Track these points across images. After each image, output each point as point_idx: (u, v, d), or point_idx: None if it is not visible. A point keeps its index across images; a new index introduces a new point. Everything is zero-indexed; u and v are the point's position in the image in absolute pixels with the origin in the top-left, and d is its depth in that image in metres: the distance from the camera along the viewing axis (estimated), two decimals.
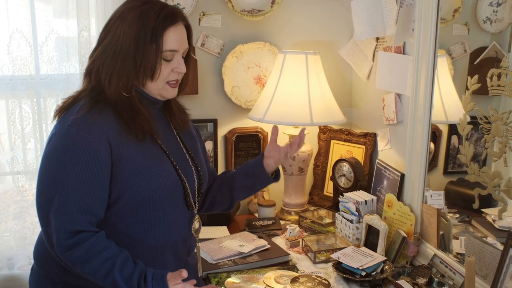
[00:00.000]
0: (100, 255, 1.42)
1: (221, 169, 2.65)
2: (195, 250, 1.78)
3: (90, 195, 1.44)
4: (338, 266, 1.93)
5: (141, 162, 1.50)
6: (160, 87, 1.55)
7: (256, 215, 2.59)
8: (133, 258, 1.47)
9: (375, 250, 1.99)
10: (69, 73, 2.38)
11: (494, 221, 1.81)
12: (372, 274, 1.85)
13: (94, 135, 1.44)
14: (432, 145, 2.04)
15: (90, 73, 1.54)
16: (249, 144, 2.68)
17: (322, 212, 2.52)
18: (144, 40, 1.47)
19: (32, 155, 2.41)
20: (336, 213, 2.26)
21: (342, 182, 2.48)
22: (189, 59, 1.64)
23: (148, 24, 1.47)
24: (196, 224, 1.70)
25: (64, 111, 1.53)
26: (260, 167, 1.80)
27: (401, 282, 1.77)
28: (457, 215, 2.01)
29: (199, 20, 2.49)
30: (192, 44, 1.63)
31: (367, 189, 2.36)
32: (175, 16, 1.53)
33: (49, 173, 1.45)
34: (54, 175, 1.44)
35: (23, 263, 2.47)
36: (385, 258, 1.93)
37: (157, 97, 1.58)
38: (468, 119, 1.81)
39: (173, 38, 1.51)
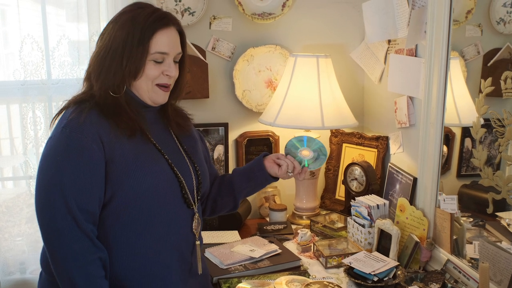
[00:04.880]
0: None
1: None
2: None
3: (86, 194, 1.46)
4: (350, 271, 1.91)
5: (133, 161, 1.51)
6: (150, 88, 1.56)
7: (268, 219, 2.58)
8: None
9: (387, 255, 1.97)
10: (80, 77, 2.36)
11: (508, 225, 1.79)
12: (384, 279, 1.83)
13: (87, 134, 1.46)
14: (445, 148, 2.01)
15: (88, 77, 1.58)
16: (260, 148, 2.67)
17: (334, 216, 2.50)
18: (132, 41, 1.50)
19: None
20: (348, 218, 2.24)
21: (354, 186, 2.46)
22: (183, 65, 1.64)
23: (138, 26, 1.50)
24: (195, 223, 1.67)
25: (58, 115, 1.57)
26: (263, 172, 1.82)
27: None
28: (471, 219, 1.98)
29: (210, 24, 2.49)
30: (186, 51, 1.64)
31: (379, 193, 2.34)
32: (166, 19, 1.55)
33: (45, 176, 1.46)
34: (50, 177, 1.45)
35: (35, 268, 2.48)
36: (398, 263, 1.91)
37: (147, 101, 1.59)
38: (482, 122, 1.79)
39: (163, 41, 1.53)
